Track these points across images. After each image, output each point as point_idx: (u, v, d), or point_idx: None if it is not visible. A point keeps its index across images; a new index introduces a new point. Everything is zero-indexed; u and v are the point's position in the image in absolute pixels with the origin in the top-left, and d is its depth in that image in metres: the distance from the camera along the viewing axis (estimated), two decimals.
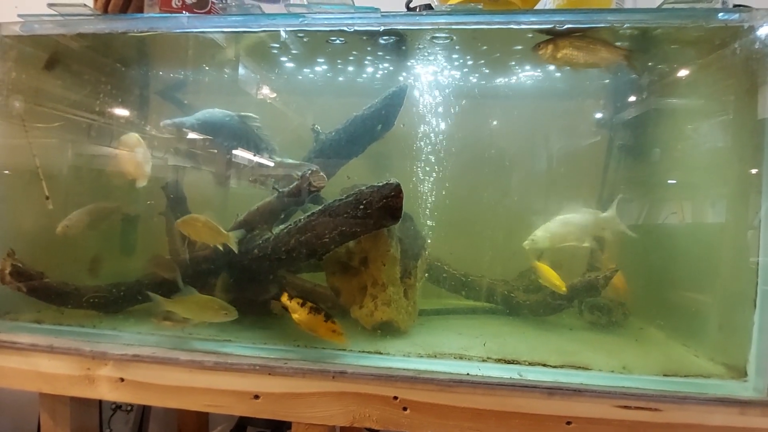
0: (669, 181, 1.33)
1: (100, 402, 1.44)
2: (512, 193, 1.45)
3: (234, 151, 1.25)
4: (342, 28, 0.99)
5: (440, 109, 1.35)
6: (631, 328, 1.27)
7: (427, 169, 1.38)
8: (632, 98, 1.36)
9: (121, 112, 1.47)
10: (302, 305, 1.03)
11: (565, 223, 1.25)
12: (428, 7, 1.12)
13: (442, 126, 1.36)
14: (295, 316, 1.03)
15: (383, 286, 1.15)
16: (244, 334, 1.07)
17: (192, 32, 1.07)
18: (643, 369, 0.99)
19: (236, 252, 1.09)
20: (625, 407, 0.89)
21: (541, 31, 0.99)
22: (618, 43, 1.03)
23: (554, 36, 1.00)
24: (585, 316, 1.32)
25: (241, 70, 1.33)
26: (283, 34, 1.06)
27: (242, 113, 1.25)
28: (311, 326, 1.02)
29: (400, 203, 0.97)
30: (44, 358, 1.03)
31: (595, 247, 1.30)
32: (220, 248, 1.10)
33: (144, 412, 1.80)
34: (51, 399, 1.11)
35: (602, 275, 1.26)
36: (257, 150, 1.21)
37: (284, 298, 1.05)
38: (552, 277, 1.22)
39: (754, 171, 0.95)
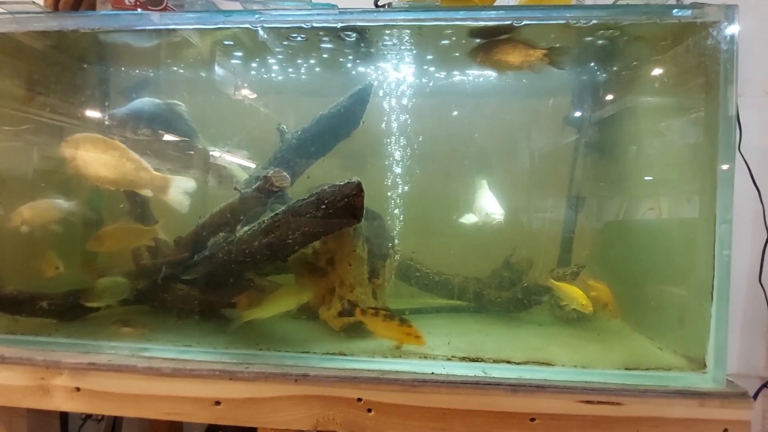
0: (631, 178, 1.35)
1: (67, 412, 1.41)
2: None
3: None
4: (299, 24, 0.97)
5: (408, 107, 1.35)
6: (600, 322, 1.28)
7: (397, 167, 1.38)
8: (597, 96, 1.38)
9: (80, 111, 1.42)
10: (376, 315, 1.03)
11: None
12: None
13: (412, 124, 1.35)
14: (370, 327, 1.03)
15: (350, 286, 1.14)
16: (206, 339, 1.05)
17: (145, 30, 1.04)
18: (606, 363, 0.99)
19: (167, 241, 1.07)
20: (588, 402, 0.89)
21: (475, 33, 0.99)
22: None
23: (485, 40, 1.02)
24: (555, 311, 1.32)
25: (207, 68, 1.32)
26: (260, 32, 1.04)
27: (169, 101, 1.25)
28: (388, 333, 1.02)
29: (362, 202, 0.96)
30: None
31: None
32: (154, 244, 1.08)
33: (116, 421, 1.75)
34: (6, 411, 1.07)
35: (569, 271, 1.27)
36: (183, 135, 1.21)
37: (357, 313, 1.04)
38: (578, 297, 1.16)
39: (710, 167, 0.96)
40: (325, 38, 1.08)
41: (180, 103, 1.25)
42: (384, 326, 1.03)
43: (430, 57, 1.27)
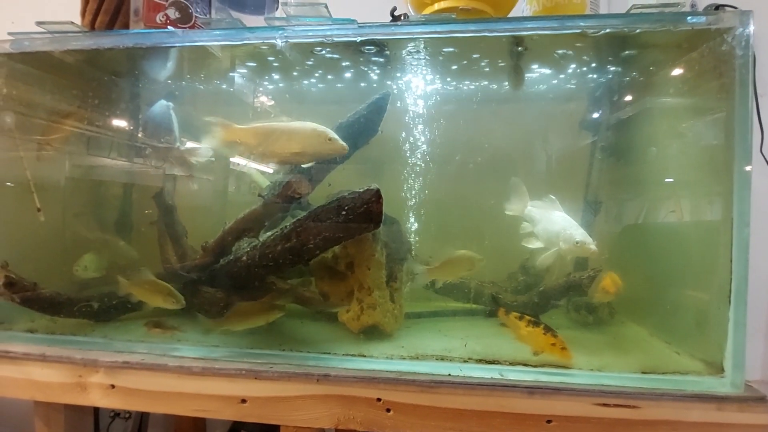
0: (647, 181, 1.35)
1: (98, 409, 1.48)
2: (500, 197, 1.46)
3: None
4: (321, 39, 1.01)
5: (425, 115, 1.37)
6: (616, 326, 1.29)
7: (415, 173, 1.41)
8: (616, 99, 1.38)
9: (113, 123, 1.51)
10: (520, 319, 1.04)
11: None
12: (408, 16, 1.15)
13: (429, 131, 1.38)
14: (512, 330, 1.04)
15: (369, 290, 1.17)
16: (232, 339, 1.09)
17: (176, 47, 1.10)
18: (623, 366, 1.00)
19: None
20: (604, 405, 0.90)
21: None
22: None
23: None
24: (571, 315, 1.33)
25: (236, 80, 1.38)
26: (279, 43, 1.09)
27: (166, 102, 1.34)
28: (530, 340, 1.02)
29: (380, 208, 0.99)
30: (37, 366, 1.05)
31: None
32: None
33: (142, 419, 1.82)
34: (45, 407, 1.13)
35: (586, 275, 1.27)
36: (166, 133, 1.29)
37: (501, 314, 1.05)
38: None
39: (725, 170, 0.96)
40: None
41: (170, 103, 1.34)
42: (527, 332, 1.02)
43: (447, 65, 1.29)
